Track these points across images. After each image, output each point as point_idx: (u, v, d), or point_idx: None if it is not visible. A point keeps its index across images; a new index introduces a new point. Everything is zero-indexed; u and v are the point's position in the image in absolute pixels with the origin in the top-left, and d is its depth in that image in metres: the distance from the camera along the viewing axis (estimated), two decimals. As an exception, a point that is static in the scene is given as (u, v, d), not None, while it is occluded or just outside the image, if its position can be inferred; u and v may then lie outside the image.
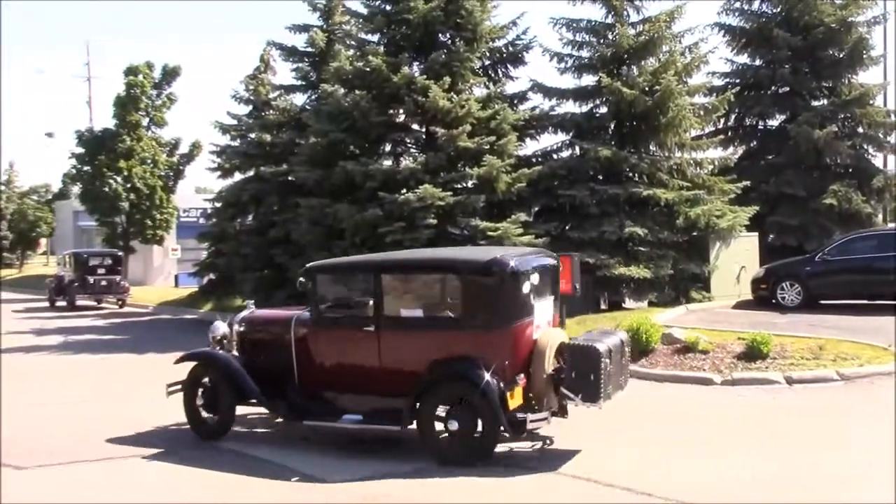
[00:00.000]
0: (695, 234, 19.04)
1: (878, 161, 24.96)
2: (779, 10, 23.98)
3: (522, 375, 7.94)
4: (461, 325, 8.20)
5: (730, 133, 24.75)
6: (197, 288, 28.66)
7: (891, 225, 23.47)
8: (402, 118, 19.69)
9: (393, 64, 18.68)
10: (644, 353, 12.77)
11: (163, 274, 39.55)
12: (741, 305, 17.86)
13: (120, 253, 33.31)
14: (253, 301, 10.99)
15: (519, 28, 20.85)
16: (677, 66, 19.48)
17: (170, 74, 36.65)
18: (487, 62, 20.97)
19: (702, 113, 20.30)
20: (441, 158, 18.29)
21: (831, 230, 21.47)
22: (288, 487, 7.53)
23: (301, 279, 9.06)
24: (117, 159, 34.34)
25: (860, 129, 23.69)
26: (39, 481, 7.92)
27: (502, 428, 7.80)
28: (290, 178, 21.80)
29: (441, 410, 8.00)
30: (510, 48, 21.11)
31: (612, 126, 20.20)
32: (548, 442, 8.56)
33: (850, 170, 23.31)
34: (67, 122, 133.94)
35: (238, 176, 25.80)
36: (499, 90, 20.08)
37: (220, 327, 9.96)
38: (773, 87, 24.09)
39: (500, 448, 8.20)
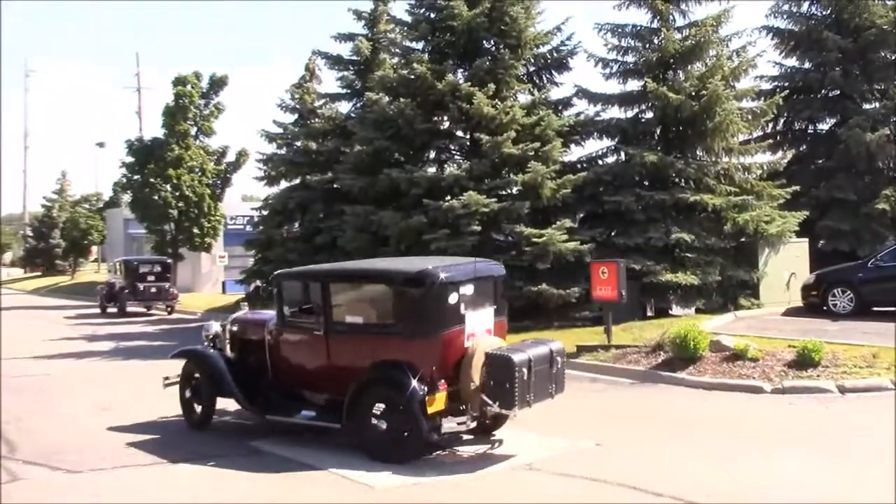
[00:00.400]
0: (743, 239, 18.81)
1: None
2: (828, 12, 23.69)
3: (443, 381, 8.29)
4: (394, 332, 8.70)
5: (779, 137, 24.39)
6: (244, 294, 28.95)
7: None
8: (446, 125, 19.77)
9: (437, 71, 18.78)
10: (691, 361, 12.60)
11: (210, 281, 40.02)
12: (791, 313, 17.61)
13: (169, 260, 33.80)
14: (246, 303, 11.87)
15: (563, 34, 20.92)
16: (724, 70, 19.31)
17: (217, 84, 37.16)
18: (532, 68, 20.95)
19: (750, 117, 20.03)
20: (485, 165, 18.32)
21: (884, 235, 21.10)
22: (330, 490, 7.62)
23: (269, 285, 9.51)
24: (166, 168, 34.84)
25: (913, 133, 23.22)
26: (92, 484, 8.03)
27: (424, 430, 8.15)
28: (335, 185, 22.05)
29: (377, 409, 8.38)
30: (554, 54, 21.06)
31: (658, 131, 20.07)
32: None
33: (903, 174, 22.86)
34: (118, 131, 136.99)
35: (284, 184, 26.12)
36: (543, 96, 20.04)
37: (213, 327, 10.82)
38: (822, 91, 23.76)
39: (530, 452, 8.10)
